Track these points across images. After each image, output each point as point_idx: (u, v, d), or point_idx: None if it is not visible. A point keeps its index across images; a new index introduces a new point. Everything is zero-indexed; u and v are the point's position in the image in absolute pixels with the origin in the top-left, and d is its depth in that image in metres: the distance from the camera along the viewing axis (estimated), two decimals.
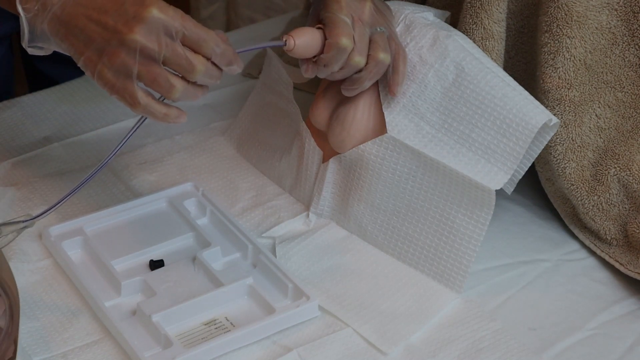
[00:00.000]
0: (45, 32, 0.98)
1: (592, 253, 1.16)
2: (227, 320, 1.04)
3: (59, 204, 1.03)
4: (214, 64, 0.97)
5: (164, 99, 0.98)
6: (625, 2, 1.15)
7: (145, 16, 0.94)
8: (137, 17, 0.94)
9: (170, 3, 0.97)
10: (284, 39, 1.05)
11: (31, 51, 1.01)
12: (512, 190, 1.11)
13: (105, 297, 1.05)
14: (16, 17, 1.43)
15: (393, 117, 1.11)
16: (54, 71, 1.52)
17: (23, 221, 1.02)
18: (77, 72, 1.40)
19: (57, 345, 1.02)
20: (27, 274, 1.09)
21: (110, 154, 1.02)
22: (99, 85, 0.97)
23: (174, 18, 0.95)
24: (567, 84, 1.15)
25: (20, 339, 0.96)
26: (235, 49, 1.00)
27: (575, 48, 1.15)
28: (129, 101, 0.96)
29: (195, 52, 0.96)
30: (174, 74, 0.96)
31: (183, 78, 0.97)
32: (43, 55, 1.51)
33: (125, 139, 1.02)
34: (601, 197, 1.15)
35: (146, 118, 0.99)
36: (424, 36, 1.12)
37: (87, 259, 1.10)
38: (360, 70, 1.08)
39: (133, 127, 1.02)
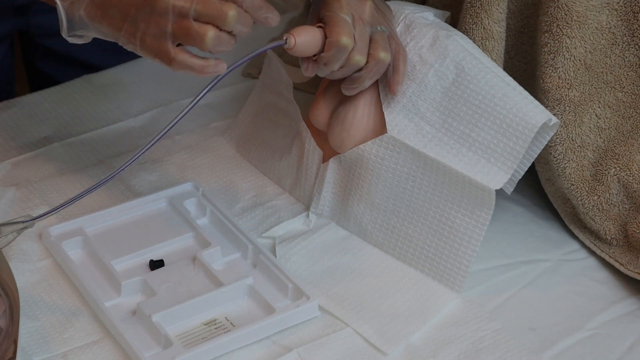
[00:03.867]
0: (83, 19, 1.00)
1: (592, 253, 1.16)
2: (227, 320, 1.04)
3: (64, 206, 1.03)
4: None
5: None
6: (625, 2, 1.15)
7: None
8: None
9: None
10: (285, 37, 1.05)
11: (71, 40, 1.03)
12: (512, 190, 1.11)
13: (105, 297, 1.05)
14: (16, 16, 1.44)
15: (393, 117, 1.11)
16: (55, 71, 1.52)
17: (23, 221, 1.02)
18: (78, 72, 1.41)
19: (57, 345, 1.01)
20: (27, 274, 1.09)
21: (129, 161, 1.03)
22: (143, 55, 1.00)
23: None
24: (567, 83, 1.15)
25: (20, 339, 0.96)
26: (237, 50, 1.01)
27: (575, 48, 1.15)
28: (165, 60, 0.99)
29: None
30: (207, 24, 0.98)
31: (217, 28, 0.98)
32: (44, 55, 1.52)
33: (148, 147, 1.03)
34: (601, 197, 1.15)
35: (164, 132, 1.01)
36: (424, 36, 1.12)
37: (87, 259, 1.10)
38: (360, 69, 1.08)
39: (155, 137, 1.03)
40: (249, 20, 1.00)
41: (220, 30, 0.98)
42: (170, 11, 0.97)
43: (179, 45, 1.00)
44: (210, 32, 0.97)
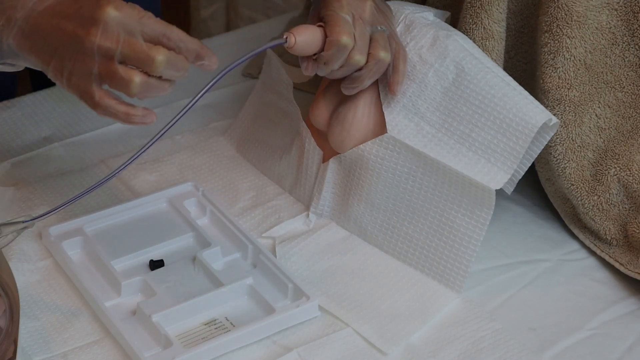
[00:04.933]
0: (12, 48, 0.97)
1: (592, 253, 1.16)
2: (227, 320, 1.04)
3: (63, 206, 1.03)
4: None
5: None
6: (625, 2, 1.16)
7: (101, 17, 0.93)
8: (93, 19, 0.93)
9: (171, 4, 0.96)
10: (285, 36, 1.05)
11: (1, 68, 1.00)
12: (512, 190, 1.11)
13: (105, 297, 1.05)
14: None
15: (393, 117, 1.11)
16: None
17: (23, 221, 1.02)
18: None
19: (57, 345, 1.01)
20: (27, 274, 1.09)
21: (129, 161, 1.02)
22: (70, 92, 0.96)
23: (130, 15, 0.93)
24: (567, 84, 1.15)
25: (20, 339, 0.96)
26: (237, 50, 1.00)
27: (575, 48, 1.15)
28: (90, 103, 0.95)
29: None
30: (134, 69, 0.94)
31: (146, 73, 0.94)
32: None
33: (144, 148, 1.02)
34: (601, 197, 1.15)
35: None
36: (424, 36, 1.12)
37: (87, 259, 1.10)
38: (360, 69, 1.08)
39: (149, 142, 1.02)
40: (183, 63, 0.95)
41: (149, 75, 0.94)
42: (95, 52, 0.92)
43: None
44: (137, 78, 0.93)
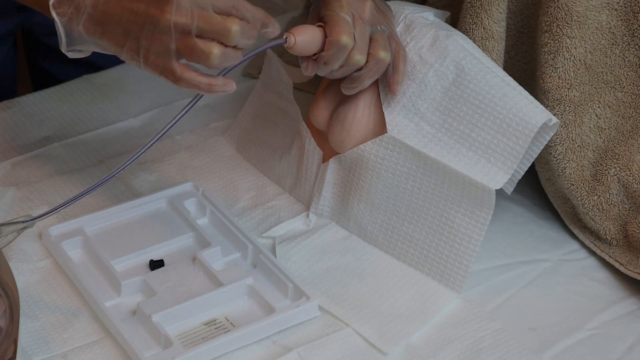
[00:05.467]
0: (82, 34, 0.99)
1: (592, 253, 1.16)
2: (227, 320, 1.04)
3: (63, 206, 1.03)
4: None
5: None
6: (625, 2, 1.15)
7: None
8: None
9: None
10: (285, 36, 1.05)
11: (71, 55, 1.02)
12: (512, 190, 1.11)
13: (105, 297, 1.05)
14: (19, 14, 1.44)
15: (393, 117, 1.11)
16: (57, 69, 1.52)
17: (23, 221, 1.02)
18: (81, 71, 1.41)
19: (57, 345, 1.01)
20: (27, 274, 1.09)
21: (129, 161, 1.02)
22: (148, 71, 0.98)
23: None
24: (567, 84, 1.15)
25: (20, 339, 0.96)
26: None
27: (575, 48, 1.15)
28: (171, 78, 0.98)
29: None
30: (212, 41, 0.97)
31: (222, 44, 0.97)
32: (47, 54, 1.52)
33: (143, 149, 1.02)
34: (601, 197, 1.15)
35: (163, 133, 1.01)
36: (424, 36, 1.12)
37: (87, 259, 1.10)
38: (360, 69, 1.08)
39: (150, 141, 1.03)
40: (253, 31, 0.99)
41: (225, 46, 0.97)
42: (172, 29, 0.95)
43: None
44: (215, 50, 0.96)
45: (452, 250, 1.09)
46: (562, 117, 1.15)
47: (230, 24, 0.96)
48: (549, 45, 1.15)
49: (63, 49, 1.01)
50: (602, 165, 1.16)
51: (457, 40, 1.11)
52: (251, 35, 0.98)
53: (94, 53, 1.03)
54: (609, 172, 1.15)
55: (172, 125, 1.03)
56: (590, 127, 1.17)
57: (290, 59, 1.21)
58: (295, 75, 1.21)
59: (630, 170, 1.14)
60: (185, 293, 1.06)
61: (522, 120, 1.06)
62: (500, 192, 1.07)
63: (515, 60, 1.22)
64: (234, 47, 0.98)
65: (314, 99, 1.17)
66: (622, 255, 1.13)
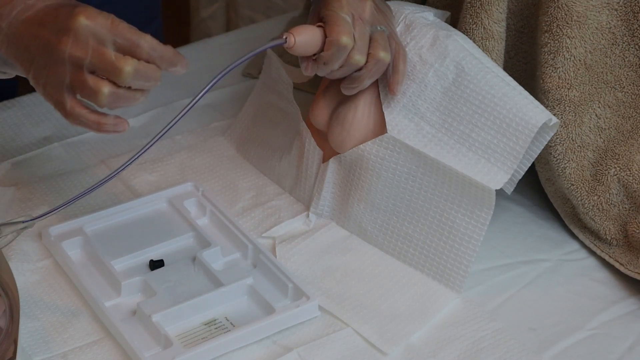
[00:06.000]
0: (2, 56, 0.98)
1: (592, 253, 1.16)
2: (227, 320, 1.04)
3: (63, 206, 1.03)
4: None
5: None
6: (625, 2, 1.16)
7: (73, 25, 0.93)
8: (66, 28, 0.93)
9: (170, 4, 0.96)
10: (285, 37, 1.05)
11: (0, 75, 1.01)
12: (512, 190, 1.11)
13: (105, 297, 1.06)
14: None
15: (393, 117, 1.11)
16: None
17: (23, 221, 1.02)
18: None
19: (57, 345, 1.02)
20: (27, 274, 1.09)
21: (129, 161, 1.02)
22: (46, 101, 0.96)
23: (102, 24, 0.93)
24: (567, 84, 1.15)
25: (20, 339, 0.96)
26: (237, 50, 1.00)
27: (575, 48, 1.15)
28: (62, 112, 0.96)
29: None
30: (104, 79, 0.94)
31: (114, 84, 0.94)
32: None
33: (142, 151, 1.02)
34: (601, 197, 1.15)
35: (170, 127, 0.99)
36: (424, 36, 1.12)
37: (87, 259, 1.10)
38: (360, 69, 1.08)
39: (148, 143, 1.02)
40: (154, 72, 0.94)
41: (119, 86, 0.93)
42: (67, 61, 0.93)
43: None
44: (105, 89, 0.93)
45: (452, 250, 1.09)
46: (562, 117, 1.15)
47: (122, 64, 0.92)
48: (549, 45, 1.15)
49: None
50: (602, 165, 1.16)
51: (457, 40, 1.11)
52: (150, 76, 0.94)
53: None
54: (609, 172, 1.15)
55: (173, 126, 1.02)
56: (590, 127, 1.17)
57: (290, 59, 1.21)
58: (295, 75, 1.21)
59: (630, 170, 1.14)
60: (185, 293, 1.06)
61: (522, 120, 1.06)
62: (500, 192, 1.07)
63: (515, 60, 1.22)
64: (129, 87, 0.94)
65: (314, 99, 1.17)
66: (622, 255, 1.13)
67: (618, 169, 1.15)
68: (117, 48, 0.93)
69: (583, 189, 1.15)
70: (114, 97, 0.94)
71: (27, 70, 0.96)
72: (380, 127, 1.12)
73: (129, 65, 0.92)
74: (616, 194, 1.15)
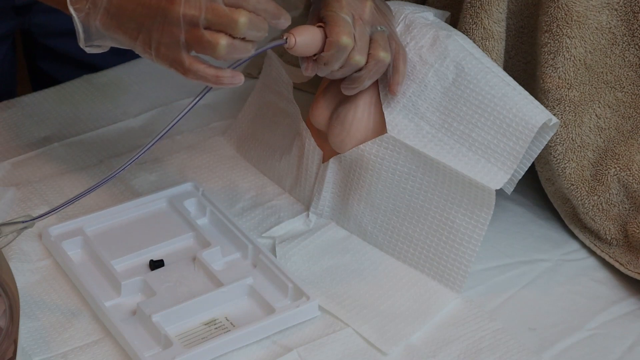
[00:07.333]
0: (99, 29, 1.00)
1: (592, 253, 1.16)
2: (227, 320, 1.04)
3: (64, 206, 1.03)
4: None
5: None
6: (625, 2, 1.15)
7: None
8: None
9: None
10: (285, 37, 1.05)
11: (89, 50, 1.03)
12: (512, 190, 1.11)
13: (105, 297, 1.06)
14: (17, 15, 1.44)
15: (393, 117, 1.11)
16: (56, 70, 1.52)
17: (23, 221, 1.02)
18: (80, 72, 1.41)
19: (57, 345, 1.02)
20: (27, 274, 1.09)
21: (129, 161, 1.03)
22: (159, 64, 0.99)
23: None
24: (567, 84, 1.15)
25: (20, 339, 0.96)
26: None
27: (575, 48, 1.15)
28: (180, 70, 0.99)
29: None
30: (219, 32, 0.97)
31: (230, 36, 0.97)
32: (45, 55, 1.52)
33: (143, 150, 1.03)
34: (601, 197, 1.15)
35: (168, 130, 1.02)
36: (424, 36, 1.12)
37: (87, 259, 1.11)
38: (360, 69, 1.08)
39: (149, 142, 1.03)
40: (263, 24, 0.99)
41: (234, 37, 0.97)
42: (181, 20, 0.96)
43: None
44: (222, 41, 0.97)
45: (452, 250, 1.09)
46: (562, 117, 1.15)
47: (237, 15, 0.96)
48: (549, 45, 1.15)
49: (81, 45, 1.02)
50: (602, 165, 1.16)
51: (457, 40, 1.11)
52: (261, 27, 0.99)
53: (91, 53, 1.04)
54: (609, 172, 1.15)
55: (173, 126, 1.03)
56: (590, 127, 1.17)
57: (290, 59, 1.21)
58: (295, 75, 1.21)
59: (630, 170, 1.14)
60: (185, 293, 1.06)
61: (522, 120, 1.06)
62: (500, 192, 1.07)
63: (515, 60, 1.22)
64: (243, 39, 0.98)
65: (314, 99, 1.17)
66: (622, 255, 1.13)
67: (618, 169, 1.15)
68: (226, 3, 0.97)
69: (583, 189, 1.15)
70: (230, 48, 0.98)
71: (134, 38, 0.99)
72: (380, 127, 1.12)
73: (243, 17, 0.97)
74: (616, 194, 1.15)
